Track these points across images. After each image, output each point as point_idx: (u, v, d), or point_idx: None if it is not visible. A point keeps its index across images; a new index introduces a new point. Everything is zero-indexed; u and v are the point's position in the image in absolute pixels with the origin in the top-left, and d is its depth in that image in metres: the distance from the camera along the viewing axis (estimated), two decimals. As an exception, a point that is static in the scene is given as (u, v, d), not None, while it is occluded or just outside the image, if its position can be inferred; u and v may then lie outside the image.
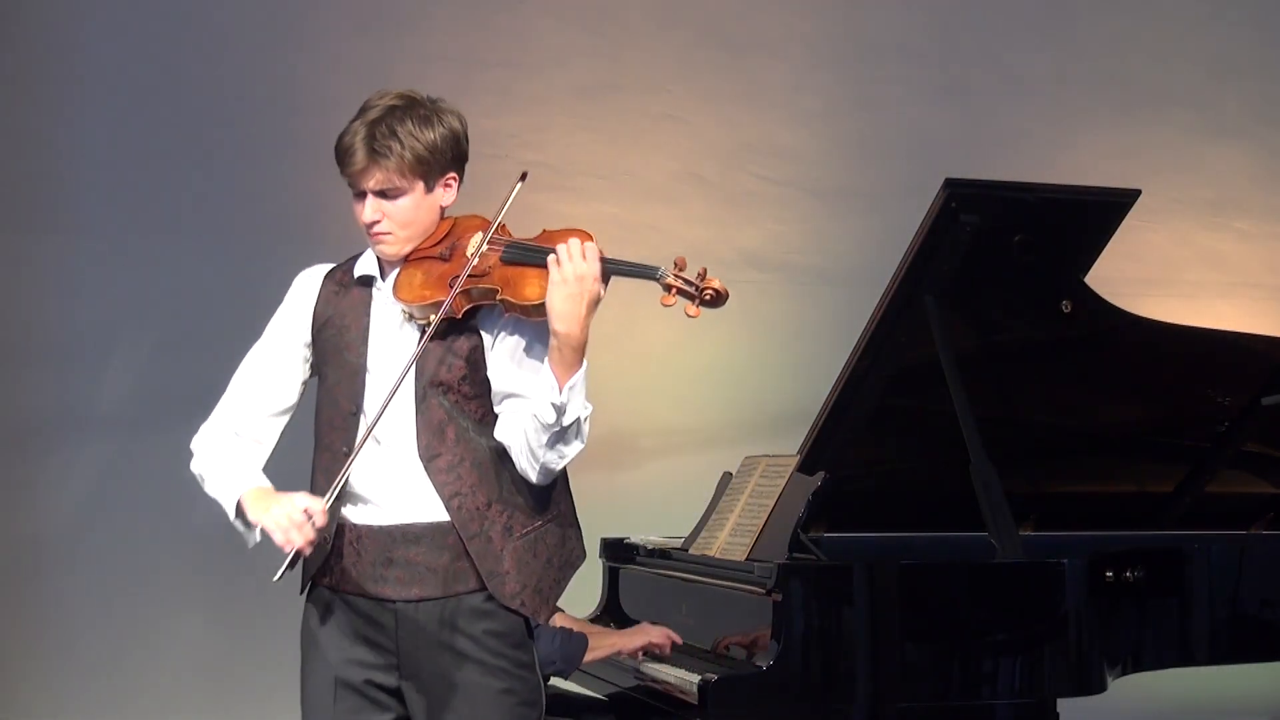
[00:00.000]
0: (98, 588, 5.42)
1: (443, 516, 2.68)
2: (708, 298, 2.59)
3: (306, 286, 2.86)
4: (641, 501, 4.76)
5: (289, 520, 2.59)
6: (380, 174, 2.70)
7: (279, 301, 2.89)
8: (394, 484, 2.70)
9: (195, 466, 2.83)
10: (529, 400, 2.64)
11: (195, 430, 2.89)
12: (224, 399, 2.87)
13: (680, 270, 2.62)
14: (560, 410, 2.59)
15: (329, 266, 2.87)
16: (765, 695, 3.19)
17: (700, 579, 3.62)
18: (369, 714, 2.74)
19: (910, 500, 4.10)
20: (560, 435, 2.62)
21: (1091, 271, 3.87)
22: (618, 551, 4.04)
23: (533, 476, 2.67)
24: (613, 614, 3.98)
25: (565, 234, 2.65)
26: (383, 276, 2.78)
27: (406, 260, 2.74)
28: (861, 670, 3.25)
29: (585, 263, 2.59)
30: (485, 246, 2.67)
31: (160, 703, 5.43)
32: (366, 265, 2.81)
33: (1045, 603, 3.41)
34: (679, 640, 3.57)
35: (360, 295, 2.79)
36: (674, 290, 2.61)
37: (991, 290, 3.82)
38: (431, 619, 2.68)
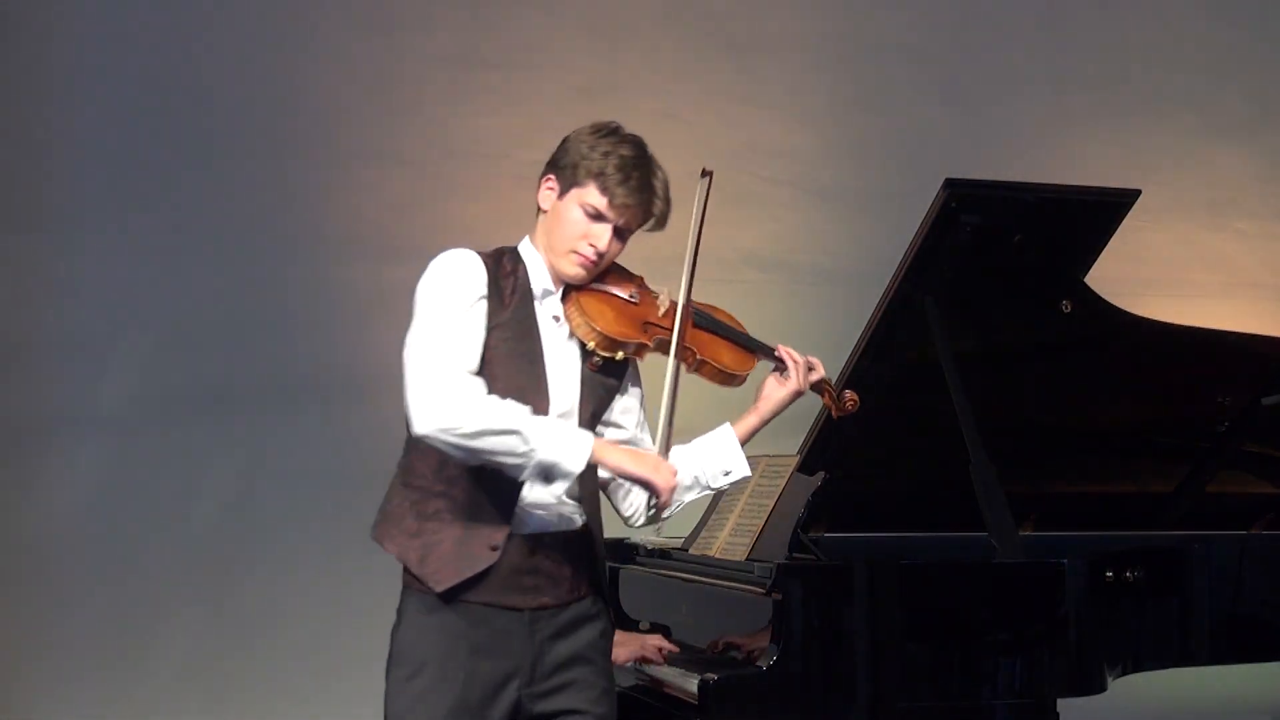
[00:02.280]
0: (98, 588, 5.43)
1: (575, 525, 2.81)
2: (847, 407, 3.07)
3: (479, 272, 2.73)
4: (641, 502, 4.75)
5: (672, 477, 2.71)
6: (639, 220, 2.80)
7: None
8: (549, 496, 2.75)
9: (493, 418, 2.57)
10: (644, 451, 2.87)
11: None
12: (457, 368, 2.64)
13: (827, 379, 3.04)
14: (736, 482, 2.97)
15: (474, 252, 2.75)
16: (765, 695, 3.19)
17: (700, 579, 3.62)
18: None
19: (910, 500, 4.10)
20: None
21: (1091, 271, 3.87)
22: (618, 551, 4.04)
23: (637, 523, 2.94)
24: (613, 614, 3.98)
25: (717, 310, 2.97)
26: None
27: (581, 289, 2.79)
28: (861, 670, 3.25)
29: (807, 381, 2.96)
30: (680, 307, 2.83)
31: (160, 703, 5.43)
32: (542, 278, 2.79)
33: (1045, 603, 3.41)
34: (675, 649, 3.57)
35: (524, 302, 2.76)
36: (827, 394, 3.05)
37: (991, 290, 3.82)
38: (554, 624, 2.77)
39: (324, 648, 5.53)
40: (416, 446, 2.70)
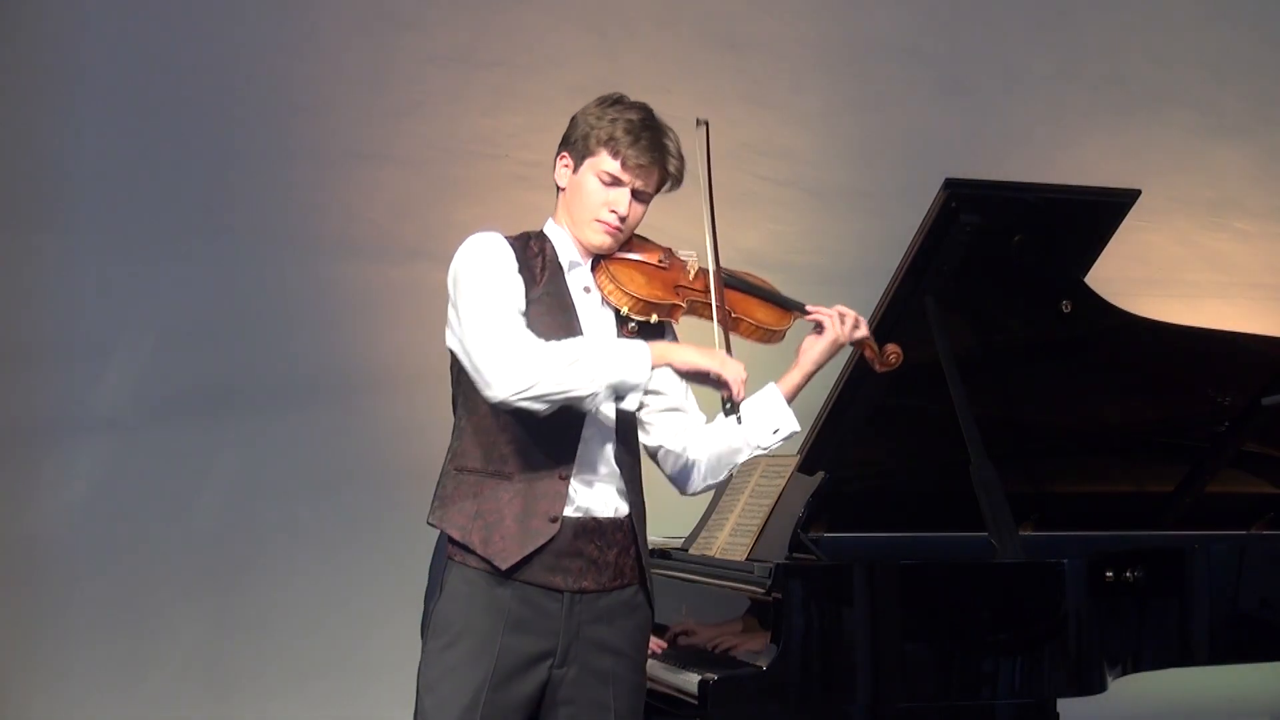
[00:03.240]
0: (98, 588, 5.42)
1: (619, 513, 2.80)
2: (891, 362, 3.08)
3: (507, 251, 2.77)
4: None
5: (742, 370, 2.70)
6: (656, 180, 2.83)
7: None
8: (588, 477, 2.77)
9: (553, 358, 2.63)
10: (692, 415, 2.95)
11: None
12: (510, 328, 2.68)
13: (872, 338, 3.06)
14: (785, 438, 2.94)
15: (499, 234, 2.80)
16: (765, 695, 3.19)
17: (700, 579, 3.62)
18: (516, 705, 2.75)
19: (910, 500, 4.10)
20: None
21: (1091, 271, 3.87)
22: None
23: (699, 487, 2.97)
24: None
25: (749, 274, 3.00)
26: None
27: (609, 258, 2.84)
28: (861, 670, 3.25)
29: (851, 334, 2.97)
30: (712, 267, 2.86)
31: (160, 702, 5.42)
32: (569, 251, 2.84)
33: (1045, 603, 3.41)
34: (665, 646, 3.58)
35: (555, 276, 2.81)
36: (868, 347, 3.05)
37: (991, 290, 3.82)
38: (593, 610, 2.78)
39: (324, 647, 5.53)
40: (466, 431, 2.78)
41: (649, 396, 2.90)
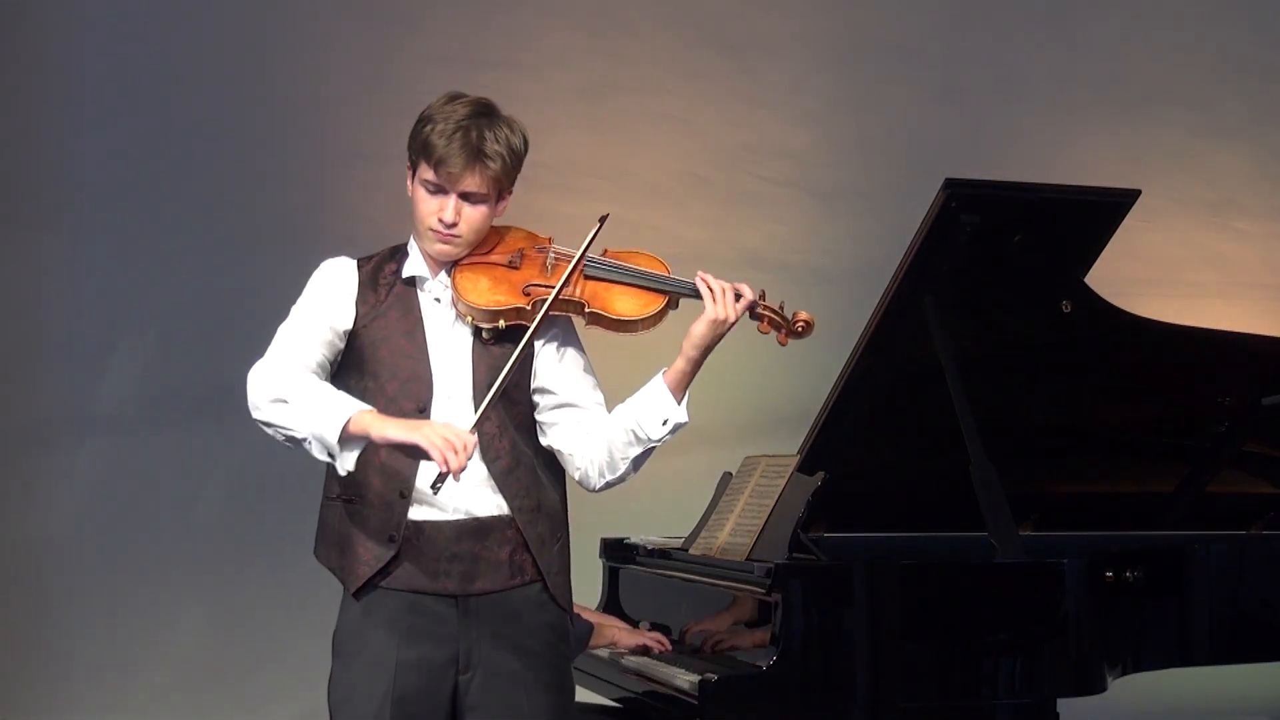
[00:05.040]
0: (98, 587, 5.43)
1: (502, 511, 2.74)
2: (799, 329, 2.84)
3: (341, 277, 2.78)
4: (641, 501, 4.76)
5: (453, 438, 2.53)
6: (477, 178, 2.70)
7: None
8: (459, 483, 2.68)
9: (272, 389, 2.62)
10: (590, 410, 2.79)
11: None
12: (281, 351, 2.70)
13: (767, 303, 2.82)
14: (675, 429, 2.74)
15: (352, 259, 2.81)
16: (765, 695, 3.19)
17: (700, 579, 3.62)
18: (426, 716, 2.72)
19: (910, 500, 4.10)
20: (650, 450, 2.76)
21: (1091, 271, 3.87)
22: (618, 551, 4.04)
23: (597, 485, 2.79)
24: (613, 614, 3.98)
25: (636, 255, 2.80)
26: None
27: (458, 264, 2.76)
28: (861, 670, 3.25)
29: (735, 309, 2.74)
30: (573, 264, 2.72)
31: (160, 703, 5.43)
32: (415, 265, 2.78)
33: (1045, 603, 3.41)
34: (668, 648, 3.58)
35: (404, 293, 2.77)
36: (766, 320, 2.82)
37: (991, 290, 3.82)
38: (494, 611, 2.73)
39: (324, 647, 5.52)
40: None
41: (539, 395, 2.79)
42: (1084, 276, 3.87)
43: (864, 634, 3.27)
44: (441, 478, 2.55)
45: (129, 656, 5.42)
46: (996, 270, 3.75)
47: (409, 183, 2.77)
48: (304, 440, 2.61)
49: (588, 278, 2.76)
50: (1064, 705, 3.40)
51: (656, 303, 2.76)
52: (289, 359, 2.68)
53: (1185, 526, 4.38)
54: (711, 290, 2.74)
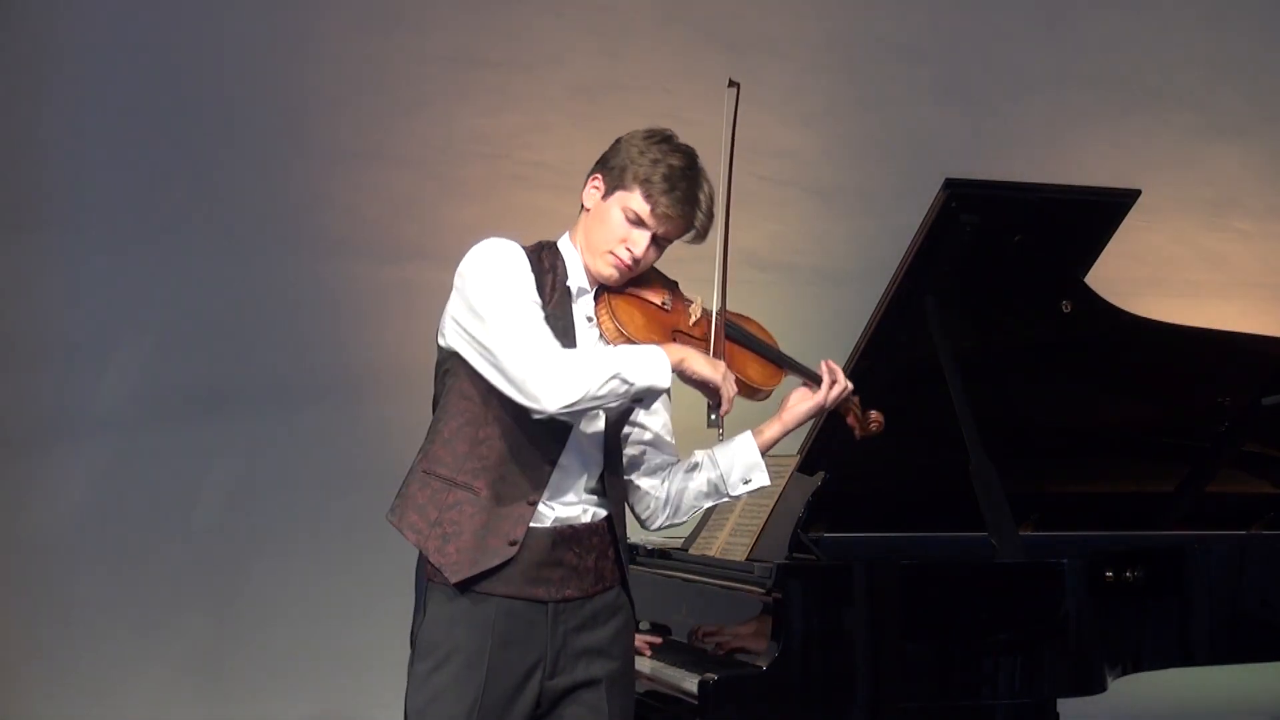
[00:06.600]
0: (98, 587, 5.43)
1: (597, 517, 2.80)
2: (871, 429, 3.08)
3: (526, 261, 2.75)
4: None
5: (731, 387, 2.73)
6: (679, 231, 2.81)
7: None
8: (566, 495, 2.76)
9: (577, 381, 2.61)
10: (670, 455, 2.97)
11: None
12: (544, 342, 2.66)
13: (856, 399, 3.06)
14: (755, 491, 2.97)
15: (519, 245, 2.77)
16: (765, 695, 3.19)
17: (700, 579, 3.61)
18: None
19: (910, 500, 4.10)
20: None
21: (1091, 271, 3.87)
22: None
23: (658, 524, 2.97)
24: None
25: (751, 321, 2.97)
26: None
27: (614, 291, 2.80)
28: (861, 670, 3.25)
29: (835, 401, 2.97)
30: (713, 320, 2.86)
31: (160, 702, 5.43)
32: (578, 277, 2.80)
33: (1045, 603, 3.41)
34: (659, 641, 3.58)
35: (564, 299, 2.78)
36: (852, 414, 3.06)
37: (991, 290, 3.81)
38: (579, 617, 2.77)
39: (323, 646, 5.53)
40: (441, 435, 2.73)
41: (629, 428, 2.90)
42: (1084, 276, 3.87)
43: (864, 634, 3.27)
44: (720, 420, 2.73)
45: (129, 656, 5.43)
46: (997, 270, 3.75)
47: (599, 197, 2.78)
48: (620, 402, 2.66)
49: (727, 339, 2.87)
50: (1064, 705, 3.40)
51: (778, 376, 2.93)
52: (565, 351, 2.67)
53: (1185, 526, 4.37)
54: (834, 382, 2.95)
